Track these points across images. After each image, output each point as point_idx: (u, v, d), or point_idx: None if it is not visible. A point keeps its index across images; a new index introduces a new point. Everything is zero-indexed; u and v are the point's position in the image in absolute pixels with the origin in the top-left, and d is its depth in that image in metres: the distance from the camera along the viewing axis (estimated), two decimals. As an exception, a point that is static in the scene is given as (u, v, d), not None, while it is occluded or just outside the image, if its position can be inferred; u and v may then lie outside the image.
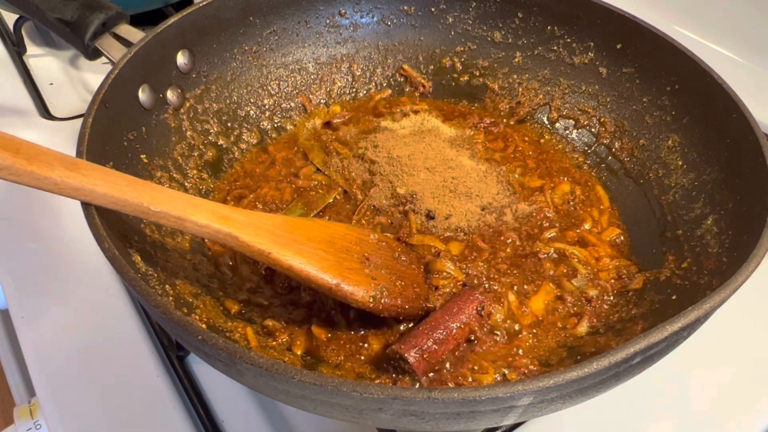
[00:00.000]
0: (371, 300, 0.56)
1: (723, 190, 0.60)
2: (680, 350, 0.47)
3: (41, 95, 0.94)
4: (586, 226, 0.69)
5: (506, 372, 0.56)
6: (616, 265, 0.64)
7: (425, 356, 0.54)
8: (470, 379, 0.55)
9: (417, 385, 0.55)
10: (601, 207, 0.72)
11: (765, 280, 0.48)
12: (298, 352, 0.57)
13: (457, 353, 0.57)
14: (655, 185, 0.68)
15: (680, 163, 0.67)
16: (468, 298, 0.59)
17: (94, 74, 0.99)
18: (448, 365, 0.56)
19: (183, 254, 0.61)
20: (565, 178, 0.75)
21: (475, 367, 0.56)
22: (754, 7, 0.97)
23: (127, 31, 0.71)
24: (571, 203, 0.71)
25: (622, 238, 0.68)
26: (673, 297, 0.57)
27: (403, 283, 0.59)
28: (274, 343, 0.57)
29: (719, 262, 0.54)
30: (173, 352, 0.63)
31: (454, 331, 0.56)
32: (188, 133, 0.71)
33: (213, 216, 0.52)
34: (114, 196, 0.48)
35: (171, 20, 0.68)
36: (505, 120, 0.82)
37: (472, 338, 0.58)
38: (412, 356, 0.54)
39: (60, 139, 0.86)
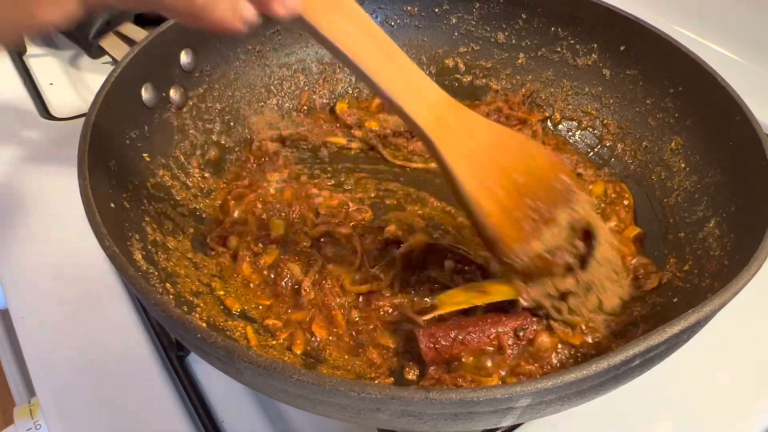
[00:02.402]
0: (516, 260, 0.53)
1: (725, 193, 0.59)
2: (680, 351, 0.47)
3: (41, 95, 0.94)
4: (612, 224, 0.68)
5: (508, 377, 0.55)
6: (635, 264, 0.64)
7: (437, 347, 0.54)
8: (469, 379, 0.54)
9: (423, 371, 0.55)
10: (626, 204, 0.70)
11: (766, 282, 0.48)
12: (298, 352, 0.57)
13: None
14: (658, 187, 0.68)
15: (683, 165, 0.66)
16: (513, 315, 0.57)
17: (95, 74, 0.99)
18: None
19: (184, 253, 0.61)
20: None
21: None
22: (754, 8, 0.97)
23: (130, 29, 0.72)
24: (603, 204, 0.71)
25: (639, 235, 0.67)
26: (675, 299, 0.57)
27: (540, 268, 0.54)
28: (274, 342, 0.57)
29: (721, 265, 0.54)
30: (173, 352, 0.63)
31: (482, 339, 0.55)
32: (191, 131, 0.71)
33: (431, 116, 0.48)
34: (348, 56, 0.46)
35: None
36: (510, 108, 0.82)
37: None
38: (423, 342, 0.54)
39: (60, 139, 0.86)
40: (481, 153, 0.52)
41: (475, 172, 0.51)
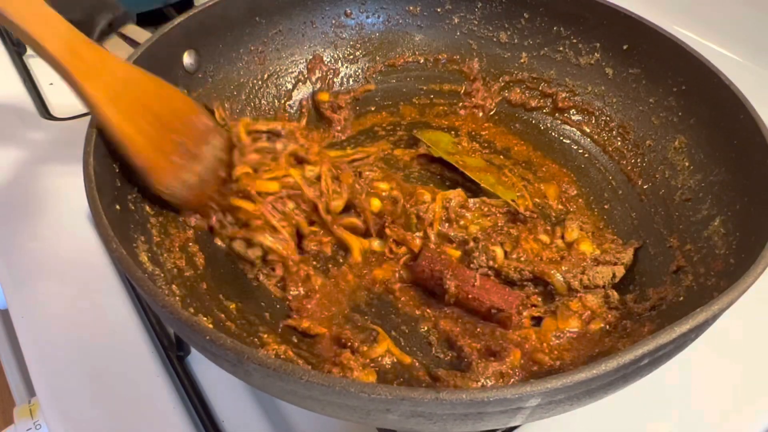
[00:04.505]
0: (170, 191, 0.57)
1: (730, 191, 0.59)
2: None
3: (41, 95, 0.94)
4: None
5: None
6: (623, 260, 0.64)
7: (431, 264, 0.60)
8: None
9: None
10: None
11: (765, 282, 0.49)
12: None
13: (479, 330, 0.59)
14: (662, 186, 0.68)
15: (687, 164, 0.66)
16: (516, 294, 0.60)
17: (96, 74, 0.99)
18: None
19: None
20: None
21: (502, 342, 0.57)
22: (755, 8, 0.97)
23: (133, 31, 0.71)
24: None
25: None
26: (680, 298, 0.57)
27: None
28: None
29: (727, 264, 0.54)
30: (173, 352, 0.63)
31: (482, 302, 0.58)
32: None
33: (65, 48, 0.50)
34: None
35: (177, 20, 0.67)
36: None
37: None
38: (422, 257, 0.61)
39: (60, 139, 0.86)
40: (120, 85, 0.54)
41: (118, 105, 0.53)
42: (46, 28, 0.50)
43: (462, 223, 0.66)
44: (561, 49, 0.79)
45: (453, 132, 0.80)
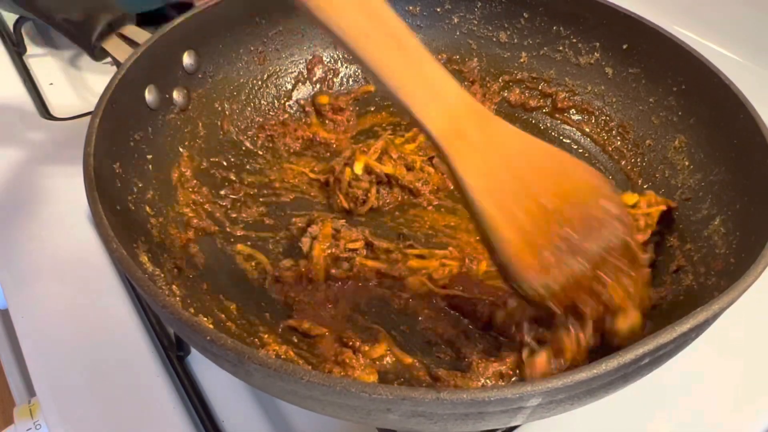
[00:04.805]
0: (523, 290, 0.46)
1: (730, 191, 0.59)
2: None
3: (41, 95, 0.94)
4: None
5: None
6: None
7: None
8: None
9: None
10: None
11: (765, 281, 0.49)
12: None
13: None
14: (662, 186, 0.68)
15: (687, 163, 0.66)
16: None
17: (94, 74, 0.99)
18: None
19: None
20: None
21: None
22: (755, 8, 0.98)
23: (133, 32, 0.71)
24: None
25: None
26: (680, 297, 0.57)
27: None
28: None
29: (727, 263, 0.54)
30: (173, 352, 0.63)
31: None
32: (195, 132, 0.71)
33: (448, 123, 0.42)
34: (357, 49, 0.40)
35: (177, 21, 0.67)
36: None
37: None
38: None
39: (60, 139, 0.86)
40: (505, 170, 0.46)
41: (495, 192, 0.45)
42: (432, 101, 0.42)
43: None
44: (561, 48, 0.79)
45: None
